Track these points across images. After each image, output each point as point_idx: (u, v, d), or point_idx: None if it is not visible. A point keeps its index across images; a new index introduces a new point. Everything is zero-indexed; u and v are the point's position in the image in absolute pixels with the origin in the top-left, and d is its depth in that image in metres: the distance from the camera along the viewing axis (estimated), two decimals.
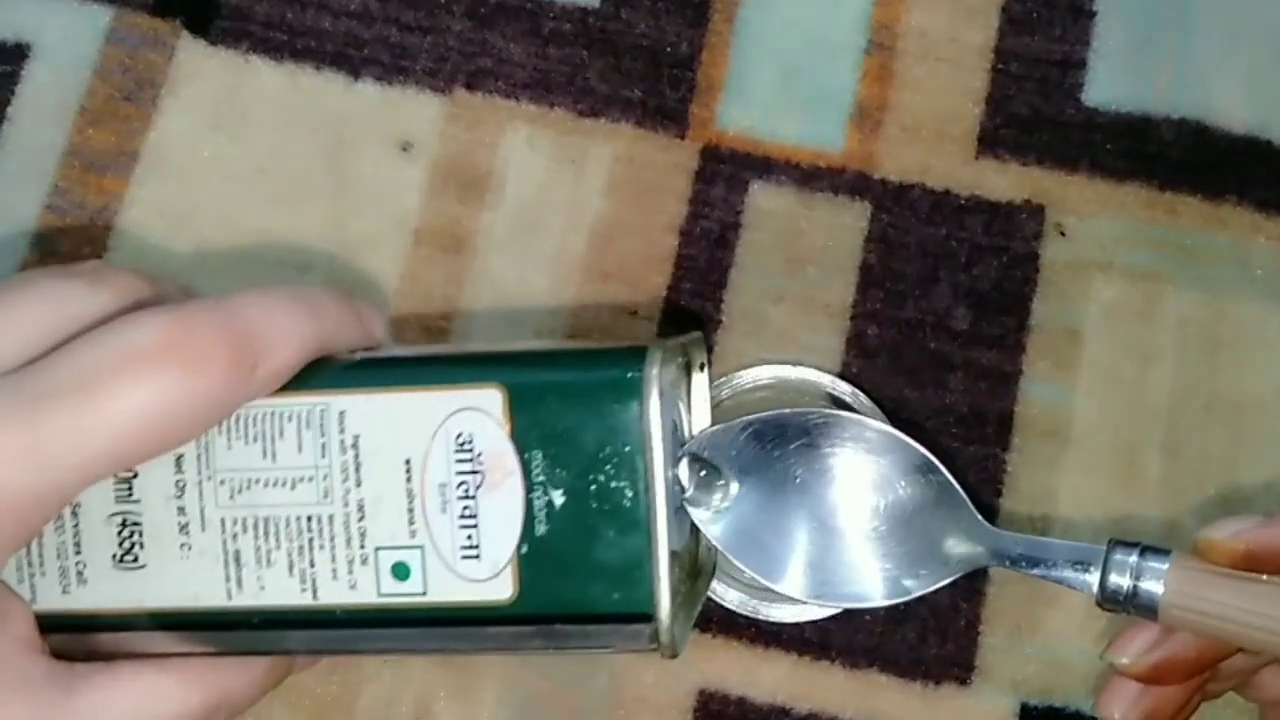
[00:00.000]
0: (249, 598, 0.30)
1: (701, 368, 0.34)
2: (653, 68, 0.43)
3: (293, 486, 0.30)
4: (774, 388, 0.40)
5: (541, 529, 0.29)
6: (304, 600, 0.30)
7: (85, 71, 0.43)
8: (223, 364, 0.28)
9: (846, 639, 0.39)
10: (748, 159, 0.42)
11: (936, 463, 0.33)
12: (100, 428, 0.27)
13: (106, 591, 0.31)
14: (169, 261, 0.42)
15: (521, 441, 0.30)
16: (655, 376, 0.29)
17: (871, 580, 0.33)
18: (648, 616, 0.29)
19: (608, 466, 0.29)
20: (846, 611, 0.38)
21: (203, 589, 0.30)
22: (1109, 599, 0.32)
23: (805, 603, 0.38)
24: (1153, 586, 0.31)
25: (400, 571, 0.30)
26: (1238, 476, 0.40)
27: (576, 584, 0.29)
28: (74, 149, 0.43)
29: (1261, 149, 0.42)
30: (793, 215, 0.42)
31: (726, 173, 0.42)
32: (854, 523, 0.33)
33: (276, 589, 0.30)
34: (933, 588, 0.33)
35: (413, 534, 0.30)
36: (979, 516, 0.33)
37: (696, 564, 0.34)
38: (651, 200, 0.42)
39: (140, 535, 0.30)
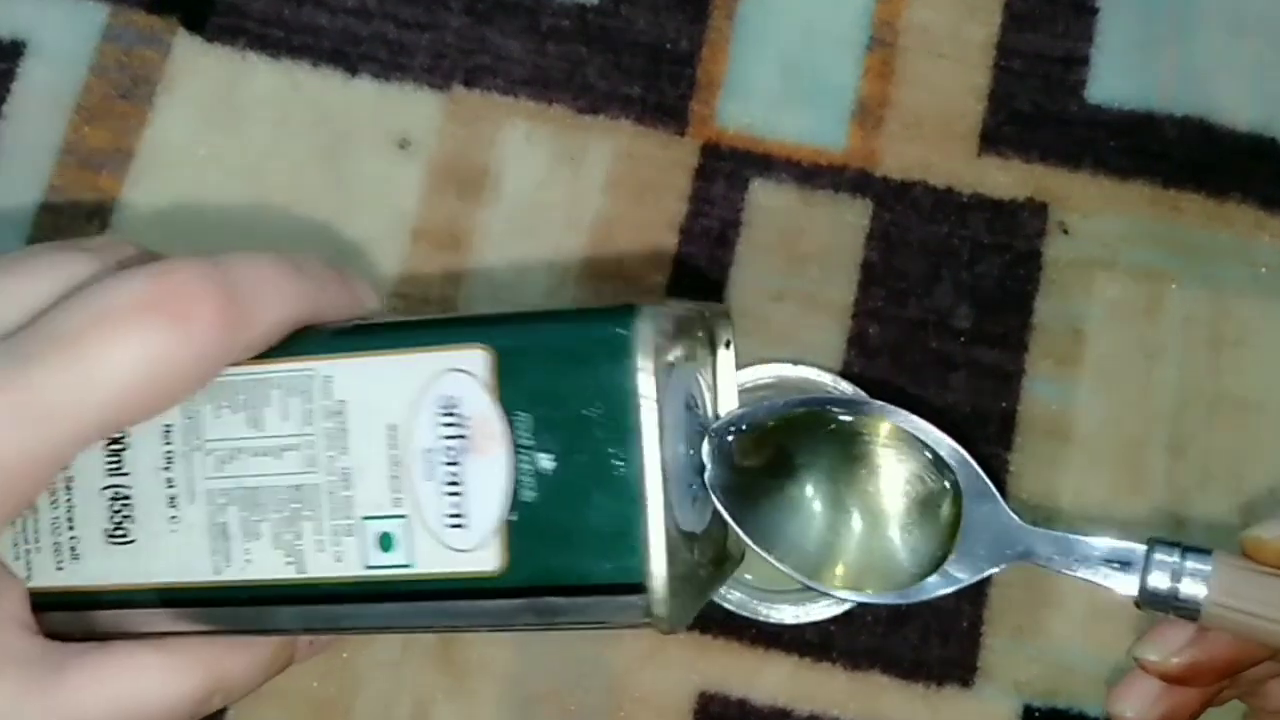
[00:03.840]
0: (236, 572, 0.29)
1: (727, 345, 0.33)
2: (652, 64, 0.43)
3: (279, 455, 0.29)
4: (775, 387, 0.40)
5: (530, 495, 0.28)
6: (289, 574, 0.29)
7: (82, 69, 0.43)
8: (208, 318, 0.28)
9: (848, 640, 0.39)
10: (748, 156, 0.42)
11: (970, 459, 0.32)
12: (89, 385, 0.27)
13: (99, 567, 0.30)
14: None
15: (509, 404, 0.28)
16: (646, 332, 0.28)
17: (906, 576, 0.32)
18: (640, 587, 0.28)
19: (597, 430, 0.28)
20: (848, 613, 0.38)
21: (191, 563, 0.30)
22: (1148, 600, 0.31)
23: (809, 602, 0.38)
24: (1195, 587, 0.30)
25: (385, 542, 0.29)
26: (1243, 475, 0.40)
27: (567, 553, 0.28)
28: (70, 147, 0.42)
29: (1265, 146, 0.42)
30: (794, 213, 0.42)
31: (727, 170, 0.42)
32: (886, 517, 0.33)
33: (263, 562, 0.29)
34: (967, 583, 0.32)
35: (397, 502, 0.29)
36: (1012, 513, 0.32)
37: (724, 549, 0.33)
38: (651, 198, 0.42)
39: (130, 509, 0.30)
